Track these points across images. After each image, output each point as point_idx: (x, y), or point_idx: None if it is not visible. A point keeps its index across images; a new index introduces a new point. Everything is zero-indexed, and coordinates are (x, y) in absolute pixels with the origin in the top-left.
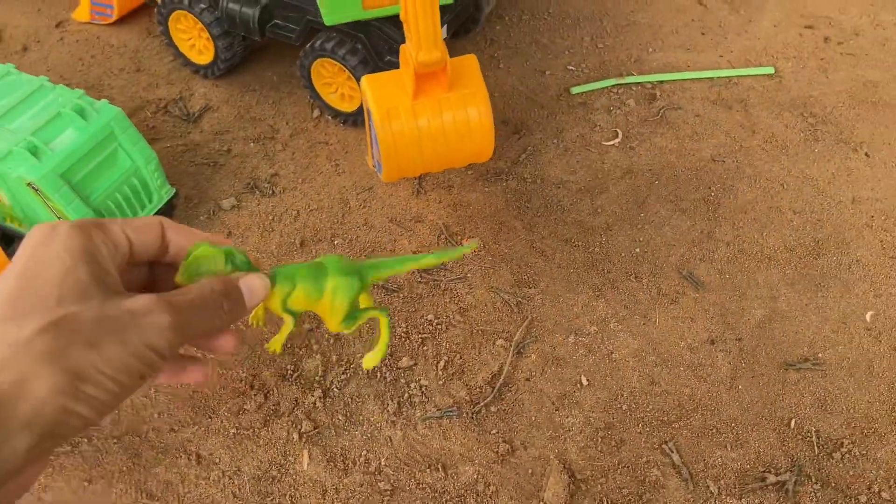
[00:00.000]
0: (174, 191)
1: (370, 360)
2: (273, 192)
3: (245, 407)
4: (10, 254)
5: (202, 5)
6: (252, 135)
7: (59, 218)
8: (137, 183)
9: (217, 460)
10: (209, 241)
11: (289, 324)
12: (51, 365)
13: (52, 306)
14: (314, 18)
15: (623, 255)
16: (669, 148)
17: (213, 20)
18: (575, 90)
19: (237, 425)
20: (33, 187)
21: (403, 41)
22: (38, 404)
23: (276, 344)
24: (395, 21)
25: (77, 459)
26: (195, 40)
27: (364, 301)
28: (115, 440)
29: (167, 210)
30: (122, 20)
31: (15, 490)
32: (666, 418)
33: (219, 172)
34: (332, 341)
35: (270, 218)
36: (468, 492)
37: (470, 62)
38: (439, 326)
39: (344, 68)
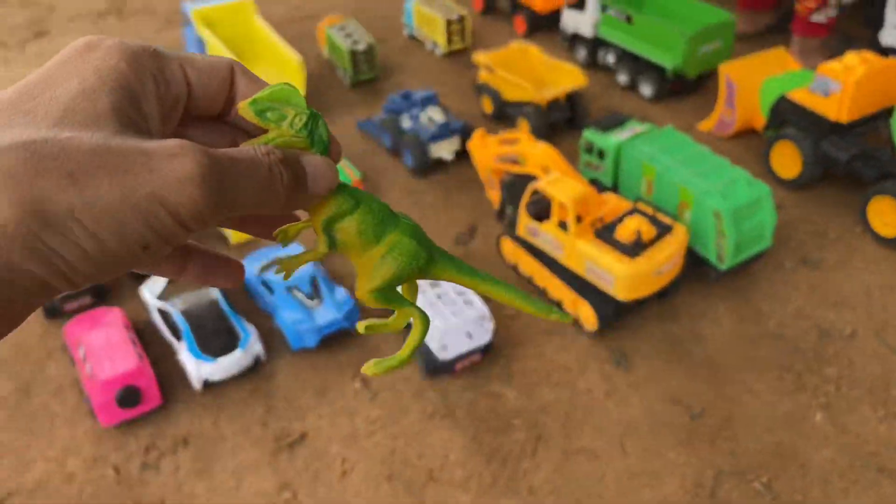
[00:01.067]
0: None
1: (377, 366)
2: None
3: None
4: None
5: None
6: None
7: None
8: (760, 233)
9: None
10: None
11: (320, 248)
12: (8, 192)
13: (43, 126)
14: (891, 168)
15: None
16: None
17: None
18: None
19: None
20: (717, 214)
21: None
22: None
23: (289, 266)
24: None
25: None
26: None
27: (407, 293)
28: None
29: None
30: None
31: None
32: None
33: None
34: None
35: None
36: None
37: None
38: None
39: None
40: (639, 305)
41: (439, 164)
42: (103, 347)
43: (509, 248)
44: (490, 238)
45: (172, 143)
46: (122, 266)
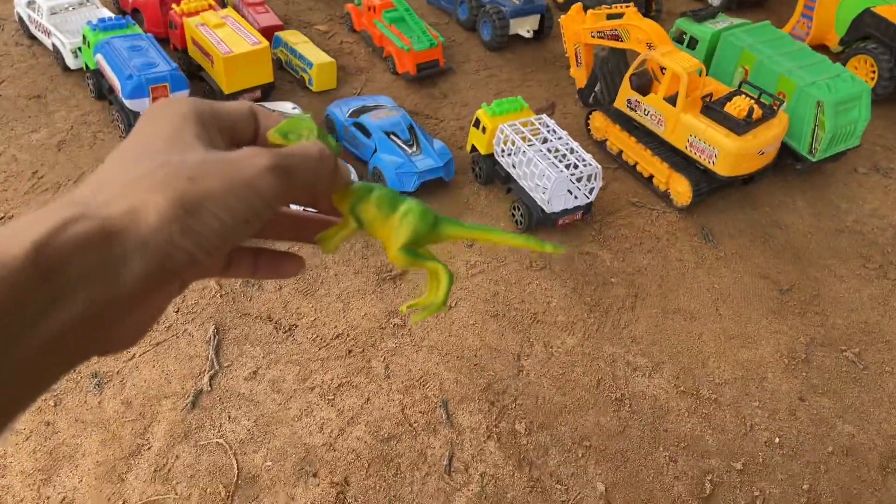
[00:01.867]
0: None
1: (415, 314)
2: None
3: None
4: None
5: None
6: None
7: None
8: (853, 129)
9: None
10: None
11: (351, 226)
12: (159, 194)
13: (161, 155)
14: None
15: None
16: None
17: None
18: None
19: None
20: (819, 105)
21: None
22: (149, 232)
23: (331, 243)
24: None
25: None
26: None
27: (427, 254)
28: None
29: None
30: None
31: (143, 321)
32: None
33: None
34: None
35: None
36: None
37: None
38: None
39: None
40: (728, 186)
41: (516, 40)
42: None
43: (600, 121)
44: (569, 116)
45: (249, 149)
46: (236, 238)
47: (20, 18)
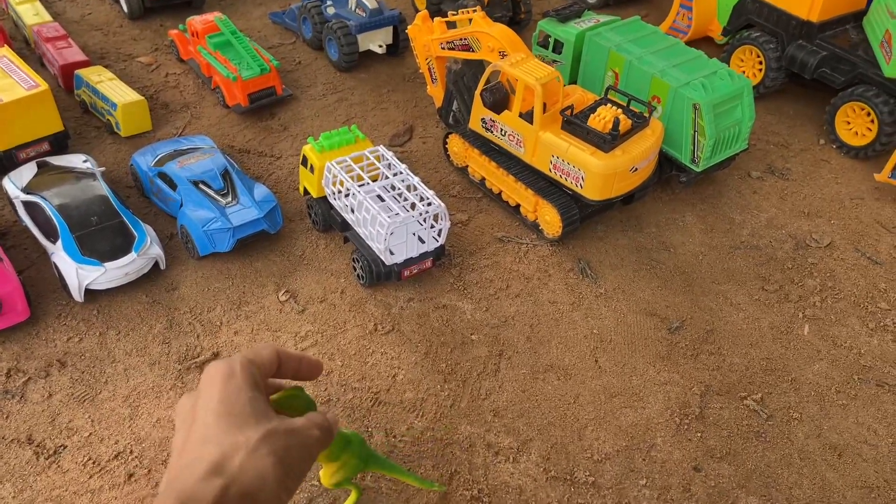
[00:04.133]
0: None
1: None
2: None
3: None
4: None
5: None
6: None
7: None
8: (737, 132)
9: None
10: (294, 389)
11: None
12: (271, 463)
13: (254, 423)
14: (864, 72)
15: None
16: None
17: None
18: None
19: None
20: (696, 108)
21: None
22: (270, 491)
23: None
24: None
25: None
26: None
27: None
28: None
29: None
30: None
31: None
32: None
33: None
34: None
35: None
36: None
37: None
38: None
39: (871, 113)
40: (603, 210)
41: (369, 57)
42: None
43: (458, 145)
44: (429, 139)
45: (301, 421)
46: (298, 484)
47: None
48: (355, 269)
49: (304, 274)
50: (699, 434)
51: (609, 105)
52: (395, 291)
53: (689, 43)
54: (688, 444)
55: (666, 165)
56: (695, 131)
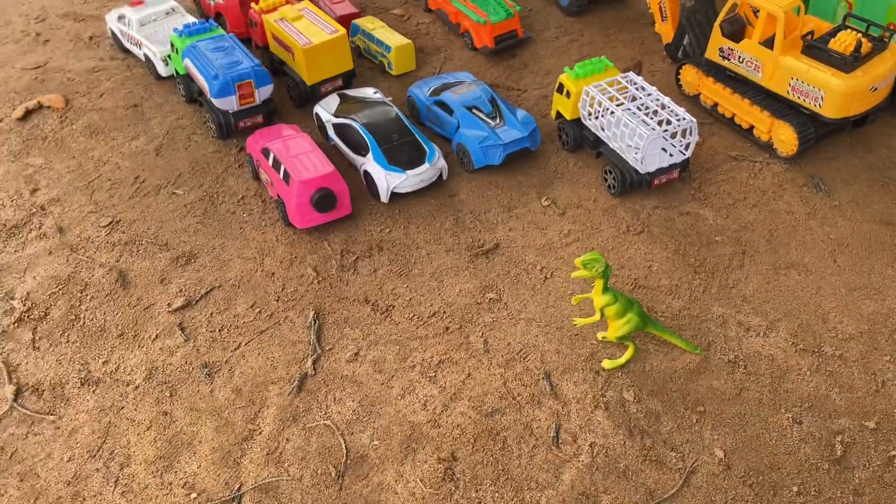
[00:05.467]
0: None
1: (609, 363)
2: None
3: None
4: None
5: None
6: None
7: None
8: None
9: None
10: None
11: (595, 317)
12: None
13: None
14: None
15: None
16: None
17: None
18: None
19: None
20: None
21: None
22: None
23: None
24: None
25: None
26: None
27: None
28: None
29: None
30: None
31: None
32: None
33: None
34: None
35: None
36: None
37: None
38: None
39: None
40: (838, 131)
41: (596, 2)
42: (296, 154)
43: (691, 75)
44: (658, 74)
45: None
46: None
47: (112, 34)
48: (606, 180)
49: (560, 185)
50: None
51: (848, 30)
52: (641, 200)
53: None
54: None
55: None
56: None
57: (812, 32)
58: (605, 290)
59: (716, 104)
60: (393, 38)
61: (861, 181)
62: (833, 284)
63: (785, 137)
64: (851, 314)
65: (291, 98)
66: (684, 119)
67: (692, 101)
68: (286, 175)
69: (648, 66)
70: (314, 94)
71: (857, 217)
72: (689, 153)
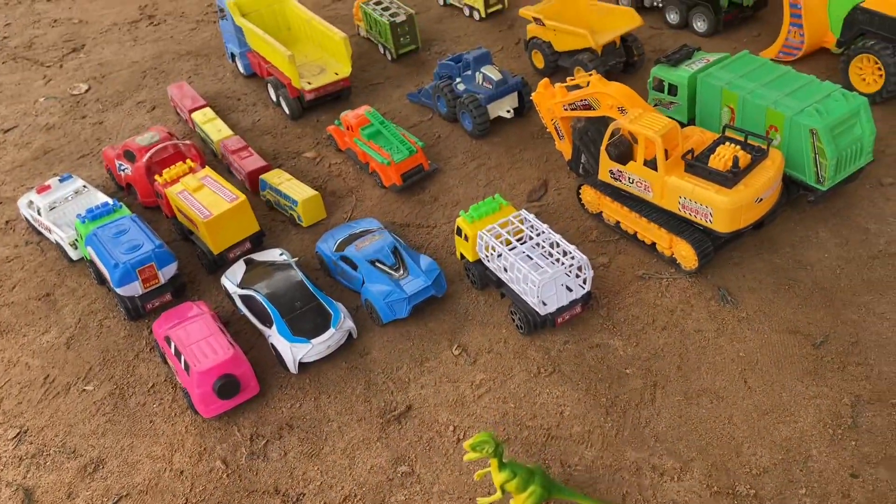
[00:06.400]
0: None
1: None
2: None
3: None
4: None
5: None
6: None
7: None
8: (860, 147)
9: None
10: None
11: (497, 496)
12: None
13: None
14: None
15: None
16: None
17: None
18: None
19: None
20: (813, 133)
21: None
22: None
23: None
24: None
25: None
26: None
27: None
28: None
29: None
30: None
31: None
32: None
33: None
34: None
35: None
36: None
37: None
38: None
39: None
40: (736, 238)
41: (498, 123)
42: (195, 340)
43: (590, 195)
44: (563, 191)
45: None
46: None
47: (26, 219)
48: (514, 321)
49: (471, 328)
50: (853, 442)
51: (727, 143)
52: (551, 336)
53: (806, 56)
54: (843, 453)
55: (793, 187)
56: (815, 154)
57: (692, 150)
58: (502, 466)
59: (618, 222)
60: (300, 191)
61: (766, 287)
62: (745, 409)
63: (685, 253)
64: (765, 442)
65: (203, 265)
66: (576, 257)
67: (597, 219)
68: (186, 365)
69: (554, 183)
70: (223, 260)
71: (765, 328)
72: (588, 287)
